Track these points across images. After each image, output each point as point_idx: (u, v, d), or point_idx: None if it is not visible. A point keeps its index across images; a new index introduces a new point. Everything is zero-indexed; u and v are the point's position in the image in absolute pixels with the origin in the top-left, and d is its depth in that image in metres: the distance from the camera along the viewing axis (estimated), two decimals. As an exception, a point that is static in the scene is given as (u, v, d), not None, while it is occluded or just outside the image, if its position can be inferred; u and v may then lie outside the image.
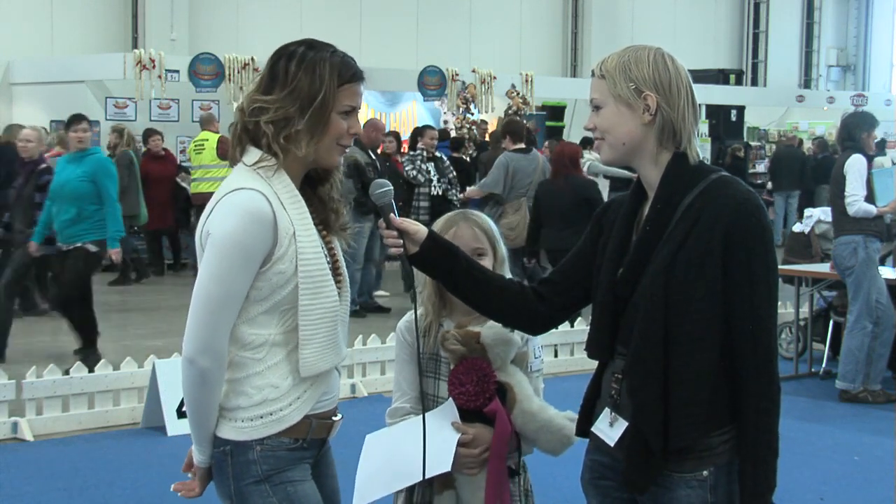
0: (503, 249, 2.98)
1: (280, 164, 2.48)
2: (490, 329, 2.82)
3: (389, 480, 2.80)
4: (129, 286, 12.75)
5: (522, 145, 10.36)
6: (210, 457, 2.53)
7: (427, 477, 2.70)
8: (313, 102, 2.46)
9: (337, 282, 2.57)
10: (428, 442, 2.67)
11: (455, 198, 10.84)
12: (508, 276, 2.87)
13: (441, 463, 2.72)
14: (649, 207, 2.41)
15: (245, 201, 2.42)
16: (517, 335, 2.87)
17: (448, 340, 2.81)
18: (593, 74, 2.45)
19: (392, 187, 2.60)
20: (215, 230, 2.42)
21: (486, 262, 2.89)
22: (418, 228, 2.54)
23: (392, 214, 2.53)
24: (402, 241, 2.53)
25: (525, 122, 17.16)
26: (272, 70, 2.51)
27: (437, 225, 2.97)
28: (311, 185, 2.61)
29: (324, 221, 2.62)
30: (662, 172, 2.39)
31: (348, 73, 2.51)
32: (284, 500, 2.48)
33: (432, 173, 10.82)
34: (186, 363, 2.43)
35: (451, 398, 2.82)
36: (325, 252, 2.57)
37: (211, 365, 2.42)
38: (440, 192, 10.78)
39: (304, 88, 2.46)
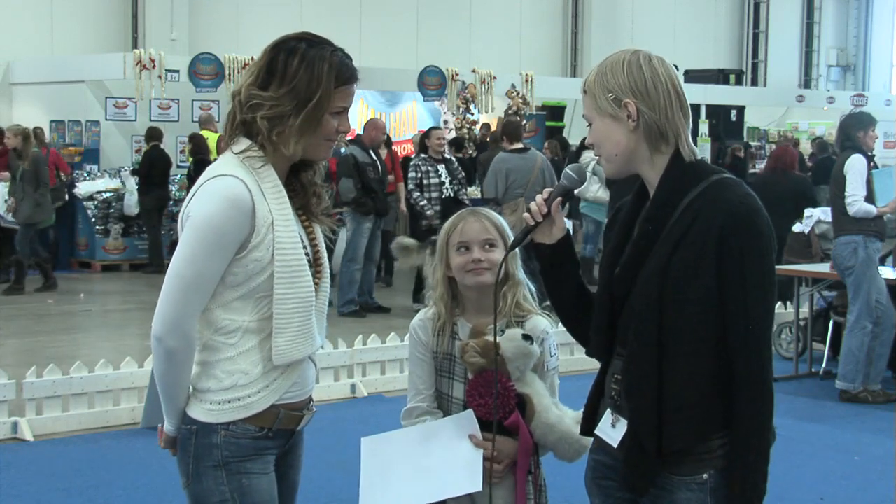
0: (520, 273, 2.97)
1: (269, 156, 2.51)
2: (510, 342, 2.81)
3: (408, 494, 2.75)
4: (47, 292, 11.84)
5: (520, 145, 10.34)
6: (177, 429, 2.60)
7: (456, 496, 2.68)
8: (309, 103, 2.48)
9: (316, 272, 2.59)
10: (452, 457, 2.67)
11: (465, 198, 10.79)
12: (521, 271, 2.89)
13: (471, 482, 2.70)
14: (648, 207, 2.40)
15: (224, 187, 2.45)
16: (535, 350, 2.86)
17: (468, 353, 2.79)
18: (581, 91, 2.44)
19: (582, 179, 2.54)
20: (194, 213, 2.47)
21: (498, 254, 2.88)
22: (565, 227, 2.51)
23: (559, 199, 2.47)
24: (541, 220, 2.48)
25: (525, 122, 17.21)
26: (270, 65, 2.51)
27: (448, 221, 2.96)
28: (295, 171, 2.63)
29: (304, 206, 2.64)
30: (661, 173, 2.38)
31: (345, 75, 2.53)
32: (237, 490, 2.51)
33: (443, 175, 10.75)
34: (155, 341, 2.49)
35: (470, 409, 2.80)
36: (306, 241, 2.60)
37: (177, 345, 2.47)
38: (452, 194, 10.72)
39: (301, 88, 2.48)
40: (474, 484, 2.71)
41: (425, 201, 10.54)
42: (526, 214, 2.50)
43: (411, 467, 2.76)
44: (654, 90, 2.34)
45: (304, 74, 2.48)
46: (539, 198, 2.49)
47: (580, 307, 2.55)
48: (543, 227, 2.50)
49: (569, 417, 2.86)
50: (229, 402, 2.51)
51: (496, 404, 2.74)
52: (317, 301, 2.59)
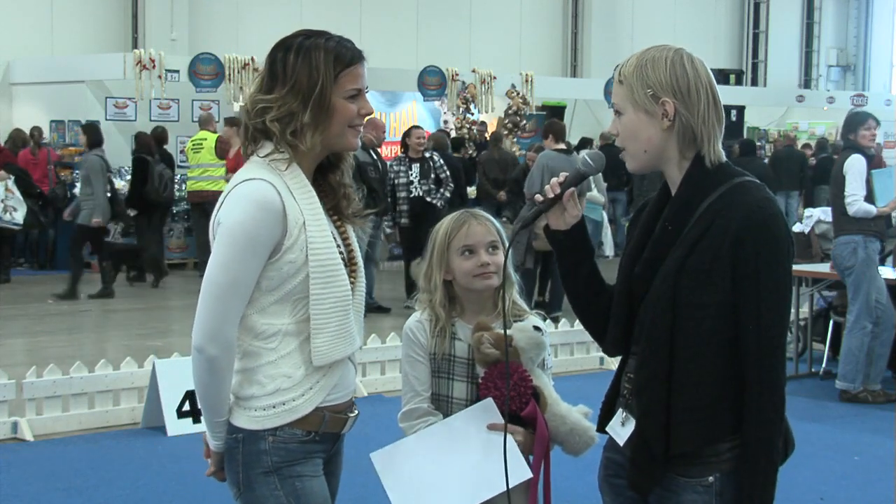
0: (514, 275, 2.97)
1: (292, 157, 2.49)
2: (522, 332, 2.81)
3: (455, 499, 2.71)
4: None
5: (563, 146, 10.37)
6: (224, 442, 2.55)
7: (510, 487, 2.66)
8: (313, 94, 2.46)
9: (351, 271, 2.58)
10: (487, 451, 2.66)
11: (437, 199, 10.75)
12: (511, 269, 2.88)
13: (518, 471, 2.68)
14: (668, 207, 2.39)
15: (253, 191, 2.44)
16: (547, 340, 2.87)
17: (483, 344, 2.78)
18: (614, 78, 2.41)
19: (599, 167, 2.51)
20: (225, 220, 2.45)
21: (500, 256, 2.88)
22: (578, 214, 2.49)
23: (574, 187, 2.46)
24: (552, 204, 2.45)
25: (525, 122, 17.21)
26: (271, 67, 2.51)
27: (446, 224, 2.93)
28: (323, 173, 2.62)
29: (335, 208, 2.62)
30: (684, 174, 2.36)
31: (346, 57, 2.50)
32: (291, 494, 2.49)
33: (412, 175, 10.76)
34: (195, 351, 2.45)
35: (489, 398, 2.78)
36: (340, 241, 2.58)
37: (219, 353, 2.44)
38: (420, 194, 10.73)
39: (303, 81, 2.47)
40: (522, 472, 2.70)
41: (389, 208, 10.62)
42: (538, 196, 2.49)
43: (445, 470, 2.71)
44: (696, 93, 2.32)
45: (302, 67, 2.47)
46: (555, 180, 2.46)
47: (593, 294, 2.53)
48: (556, 213, 2.48)
49: (575, 410, 2.87)
50: (274, 406, 2.48)
51: (508, 394, 2.73)
52: (353, 300, 2.57)
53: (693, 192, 2.33)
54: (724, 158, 2.37)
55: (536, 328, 2.85)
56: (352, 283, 2.56)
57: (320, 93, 2.46)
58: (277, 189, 2.44)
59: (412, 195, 10.69)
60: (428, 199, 10.66)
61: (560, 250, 2.52)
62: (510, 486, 2.64)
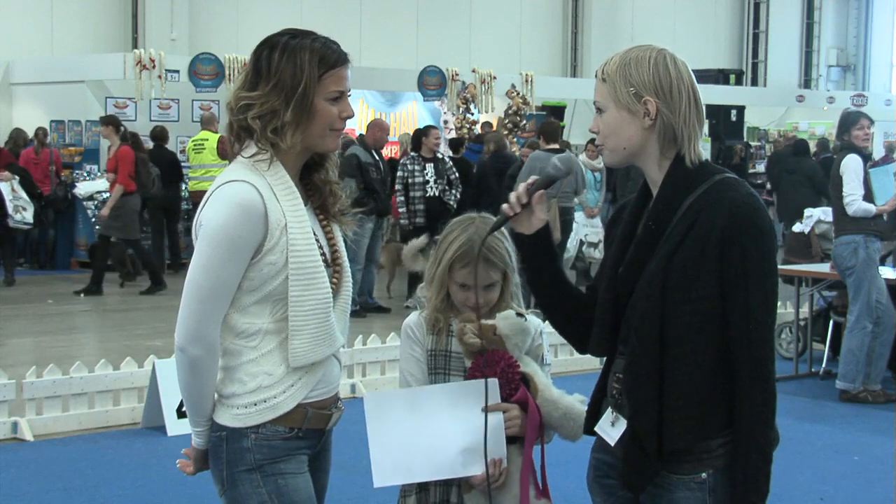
0: (516, 277, 2.96)
1: (274, 156, 2.50)
2: (505, 320, 2.83)
3: (423, 468, 2.74)
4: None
5: (556, 146, 10.37)
6: (207, 440, 2.56)
7: (478, 472, 2.69)
8: (296, 93, 2.47)
9: (335, 272, 2.58)
10: (469, 428, 2.68)
11: (452, 200, 10.78)
12: (520, 304, 2.90)
13: (496, 449, 2.71)
14: (651, 207, 2.40)
15: (235, 193, 2.44)
16: (531, 326, 2.88)
17: (466, 334, 2.80)
18: (597, 76, 2.43)
19: (569, 170, 2.53)
20: (206, 221, 2.46)
21: (496, 292, 2.88)
22: (545, 218, 2.50)
23: (542, 190, 2.46)
24: (520, 210, 2.46)
25: (525, 122, 17.20)
26: (256, 65, 2.52)
27: (456, 246, 2.88)
28: (308, 171, 2.62)
29: (321, 206, 2.63)
30: (665, 173, 2.38)
31: (331, 59, 2.51)
32: (274, 491, 2.50)
33: (429, 174, 10.76)
34: (178, 351, 2.48)
35: (494, 379, 2.77)
36: (324, 241, 2.58)
37: (201, 353, 2.46)
38: (436, 194, 10.74)
39: (286, 80, 2.47)
40: (499, 450, 2.72)
41: (404, 207, 10.59)
42: (505, 206, 2.49)
43: (428, 434, 2.73)
44: (678, 94, 2.34)
45: (287, 66, 2.47)
46: (522, 187, 2.47)
47: (559, 297, 2.55)
48: (523, 218, 2.49)
49: (569, 396, 2.88)
50: (255, 404, 2.49)
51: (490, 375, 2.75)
52: (338, 301, 2.58)
53: (675, 190, 2.35)
54: (704, 157, 2.39)
55: (519, 314, 2.87)
56: (335, 283, 2.57)
57: (303, 92, 2.47)
58: (260, 191, 2.45)
59: (428, 195, 10.68)
60: (444, 198, 10.67)
61: (524, 254, 2.54)
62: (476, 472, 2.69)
